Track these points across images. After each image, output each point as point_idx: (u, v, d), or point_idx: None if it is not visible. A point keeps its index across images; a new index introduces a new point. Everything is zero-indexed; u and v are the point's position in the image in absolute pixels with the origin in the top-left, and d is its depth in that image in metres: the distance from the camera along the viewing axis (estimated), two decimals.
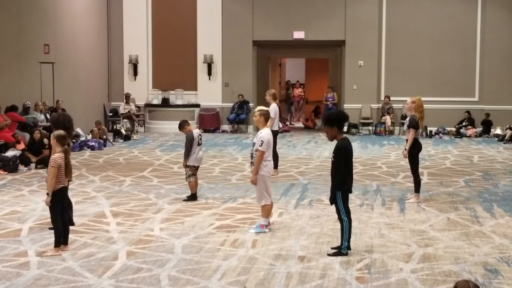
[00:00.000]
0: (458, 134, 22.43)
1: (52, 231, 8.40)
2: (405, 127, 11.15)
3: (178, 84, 23.86)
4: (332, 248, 8.02)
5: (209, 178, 13.46)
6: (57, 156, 8.00)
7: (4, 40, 17.33)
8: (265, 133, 8.86)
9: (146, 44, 24.10)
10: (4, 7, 17.35)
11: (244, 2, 23.54)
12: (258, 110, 9.08)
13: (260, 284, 6.84)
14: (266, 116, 9.04)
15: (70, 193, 11.45)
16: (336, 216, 8.13)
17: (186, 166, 11.08)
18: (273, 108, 13.55)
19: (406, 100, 11.58)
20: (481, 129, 22.57)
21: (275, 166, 13.68)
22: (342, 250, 7.86)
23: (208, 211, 10.30)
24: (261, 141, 8.75)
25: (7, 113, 16.56)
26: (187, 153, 11.00)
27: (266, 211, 8.97)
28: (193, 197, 11.12)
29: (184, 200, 11.08)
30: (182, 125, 11.23)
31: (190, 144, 10.98)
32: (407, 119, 11.16)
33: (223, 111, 23.88)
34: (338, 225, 8.12)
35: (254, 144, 8.90)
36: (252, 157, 8.94)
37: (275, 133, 13.30)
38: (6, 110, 16.56)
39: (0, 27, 17.15)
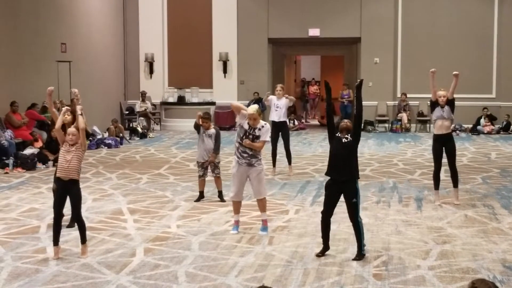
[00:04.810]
0: (475, 131, 22.31)
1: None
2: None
3: (193, 82, 23.92)
4: (354, 259, 7.61)
5: (225, 176, 13.44)
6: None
7: (22, 39, 17.45)
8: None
9: (162, 42, 24.18)
10: (21, 7, 17.46)
11: (260, 0, 23.54)
12: (257, 110, 8.75)
13: (277, 280, 6.85)
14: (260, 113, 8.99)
15: (87, 190, 11.60)
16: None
17: (217, 162, 10.97)
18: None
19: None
20: (500, 126, 22.48)
21: (289, 162, 13.75)
22: (362, 251, 7.65)
23: (224, 209, 10.32)
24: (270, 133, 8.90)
25: (27, 111, 16.71)
26: (219, 149, 10.96)
27: (265, 205, 8.95)
28: (221, 194, 10.99)
29: (220, 199, 10.88)
30: (210, 118, 11.12)
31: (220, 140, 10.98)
32: None
33: None
34: None
35: (249, 134, 8.68)
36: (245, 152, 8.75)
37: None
38: (27, 109, 16.77)
39: (18, 26, 17.27)
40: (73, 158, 7.62)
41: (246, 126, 8.71)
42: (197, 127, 10.99)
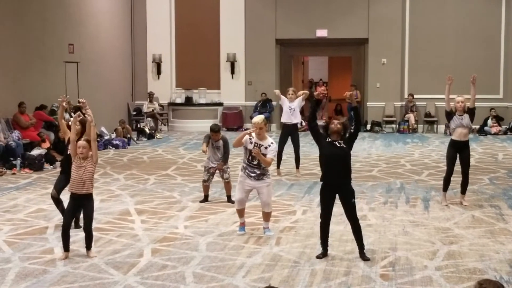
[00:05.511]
0: (482, 132, 22.26)
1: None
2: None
3: (201, 83, 23.94)
4: (364, 259, 7.62)
5: (232, 177, 13.46)
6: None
7: (29, 40, 17.50)
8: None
9: (170, 43, 24.22)
10: (29, 8, 17.53)
11: (267, 1, 23.56)
12: (263, 120, 8.67)
13: (284, 281, 6.87)
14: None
15: (95, 191, 11.58)
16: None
17: (226, 168, 11.00)
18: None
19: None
20: (507, 127, 22.43)
21: (297, 166, 13.77)
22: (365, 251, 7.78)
23: (232, 209, 10.31)
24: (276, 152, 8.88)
25: (35, 112, 16.77)
26: (227, 159, 11.01)
27: (270, 216, 8.94)
28: (230, 199, 11.01)
29: (230, 202, 10.81)
30: (219, 130, 11.17)
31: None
32: None
33: (246, 109, 23.92)
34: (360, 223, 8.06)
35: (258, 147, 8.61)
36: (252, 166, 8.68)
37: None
38: (35, 110, 16.82)
39: (25, 27, 17.33)
40: (85, 173, 7.64)
41: (250, 146, 8.62)
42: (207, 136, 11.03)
